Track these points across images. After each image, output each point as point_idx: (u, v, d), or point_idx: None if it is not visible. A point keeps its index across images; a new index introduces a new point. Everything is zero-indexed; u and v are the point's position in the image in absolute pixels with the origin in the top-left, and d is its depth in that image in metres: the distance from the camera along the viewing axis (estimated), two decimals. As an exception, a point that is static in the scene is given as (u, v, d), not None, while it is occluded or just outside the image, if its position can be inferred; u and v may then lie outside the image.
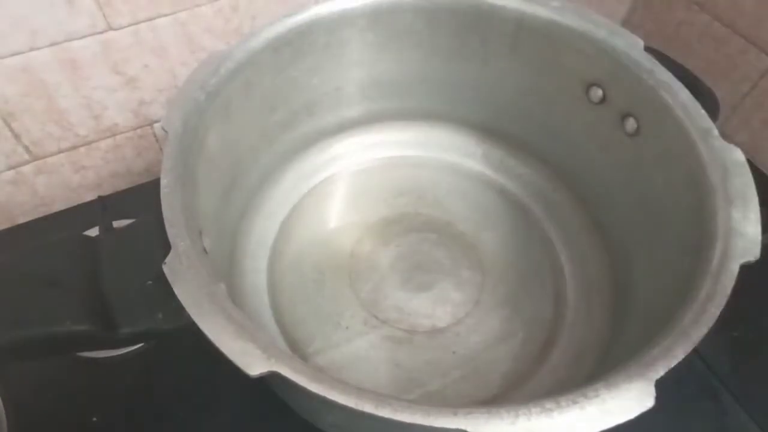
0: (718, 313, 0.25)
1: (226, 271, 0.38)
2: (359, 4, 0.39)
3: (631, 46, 0.36)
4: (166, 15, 0.43)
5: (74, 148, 0.48)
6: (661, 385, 0.22)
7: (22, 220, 0.49)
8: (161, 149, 0.52)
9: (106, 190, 0.51)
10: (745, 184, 0.29)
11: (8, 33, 0.38)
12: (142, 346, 0.40)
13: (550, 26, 0.38)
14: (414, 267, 0.42)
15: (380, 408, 0.21)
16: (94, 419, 0.37)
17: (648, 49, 0.35)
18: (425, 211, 0.46)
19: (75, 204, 0.50)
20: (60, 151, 0.47)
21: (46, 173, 0.48)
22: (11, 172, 0.46)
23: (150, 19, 0.42)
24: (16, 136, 0.44)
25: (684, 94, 0.33)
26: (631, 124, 0.37)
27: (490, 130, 0.49)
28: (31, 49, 0.40)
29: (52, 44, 0.40)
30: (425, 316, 0.40)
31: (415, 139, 0.50)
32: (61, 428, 0.37)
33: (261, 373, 0.22)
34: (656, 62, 0.35)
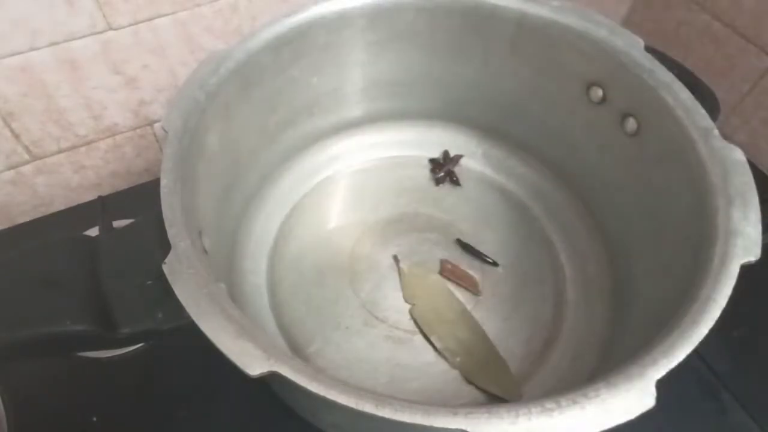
0: (718, 313, 0.25)
1: (226, 271, 0.38)
2: (359, 3, 0.39)
3: (631, 46, 0.36)
4: (165, 15, 0.43)
5: (74, 148, 0.48)
6: (661, 385, 0.22)
7: (22, 220, 0.49)
8: (161, 149, 0.52)
9: (106, 190, 0.51)
10: (745, 184, 0.29)
11: (8, 33, 0.38)
12: (142, 346, 0.39)
13: (550, 26, 0.38)
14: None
15: (380, 408, 0.21)
16: (94, 419, 0.37)
17: (648, 49, 0.35)
18: (425, 211, 0.46)
19: (75, 204, 0.50)
20: (60, 151, 0.47)
21: (46, 173, 0.48)
22: (11, 172, 0.46)
23: (150, 19, 0.42)
24: (16, 136, 0.44)
25: (684, 94, 0.33)
26: (631, 124, 0.36)
27: (490, 130, 0.49)
28: (31, 49, 0.40)
29: (52, 44, 0.40)
30: (425, 316, 0.40)
31: (415, 139, 0.50)
32: (61, 428, 0.37)
33: (261, 373, 0.22)
34: (656, 62, 0.35)
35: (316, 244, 0.44)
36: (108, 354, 0.39)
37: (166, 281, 0.25)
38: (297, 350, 0.38)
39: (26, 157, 0.46)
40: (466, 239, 0.44)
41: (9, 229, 0.48)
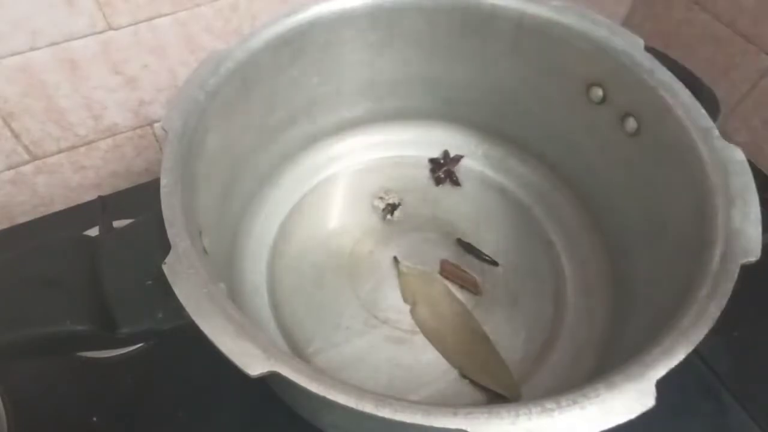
0: (718, 313, 0.25)
1: (226, 271, 0.38)
2: (359, 3, 0.39)
3: (631, 45, 0.36)
4: (166, 15, 0.43)
5: (74, 147, 0.48)
6: (661, 385, 0.22)
7: (22, 220, 0.49)
8: (161, 149, 0.52)
9: (106, 190, 0.51)
10: (745, 184, 0.29)
11: (8, 33, 0.38)
12: (142, 346, 0.40)
13: (550, 26, 0.38)
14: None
15: (380, 408, 0.21)
16: (94, 419, 0.37)
17: (648, 48, 0.35)
18: (425, 211, 0.46)
19: (75, 204, 0.50)
20: (60, 151, 0.47)
21: (46, 173, 0.48)
22: (11, 172, 0.46)
23: (150, 19, 0.42)
24: (16, 136, 0.44)
25: (684, 94, 0.33)
26: (631, 124, 0.36)
27: (490, 130, 0.49)
28: (31, 49, 0.40)
29: (52, 44, 0.40)
30: (425, 316, 0.40)
31: (415, 139, 0.50)
32: (61, 428, 0.37)
33: (261, 373, 0.22)
34: (656, 62, 0.35)
35: (316, 244, 0.44)
36: (108, 354, 0.39)
37: (166, 281, 0.25)
38: (297, 350, 0.38)
39: (26, 157, 0.46)
40: (466, 239, 0.44)
41: (9, 229, 0.48)
